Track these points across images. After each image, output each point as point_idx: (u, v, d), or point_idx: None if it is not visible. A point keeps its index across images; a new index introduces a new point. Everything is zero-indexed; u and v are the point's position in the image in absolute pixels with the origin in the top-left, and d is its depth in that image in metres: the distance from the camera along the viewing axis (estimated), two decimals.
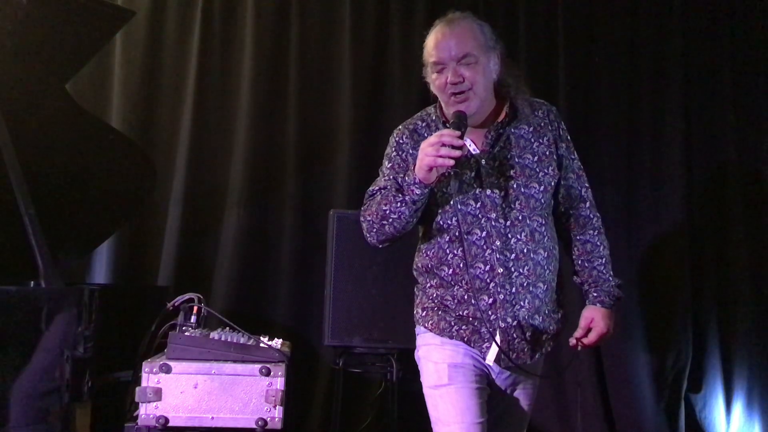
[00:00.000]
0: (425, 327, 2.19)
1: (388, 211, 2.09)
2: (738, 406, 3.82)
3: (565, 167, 2.23)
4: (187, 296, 2.41)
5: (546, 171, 2.17)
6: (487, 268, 2.08)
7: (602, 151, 4.06)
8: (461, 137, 1.99)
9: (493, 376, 2.16)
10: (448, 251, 2.13)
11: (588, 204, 2.27)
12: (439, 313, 2.16)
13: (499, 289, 2.09)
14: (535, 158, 2.16)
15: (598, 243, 2.25)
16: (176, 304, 2.39)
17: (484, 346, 2.11)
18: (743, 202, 4.03)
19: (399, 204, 2.07)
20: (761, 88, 4.15)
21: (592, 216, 2.27)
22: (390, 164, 2.21)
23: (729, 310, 3.96)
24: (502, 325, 2.09)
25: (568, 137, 2.26)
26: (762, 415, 3.77)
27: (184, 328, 2.37)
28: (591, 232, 2.25)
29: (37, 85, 3.61)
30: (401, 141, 2.22)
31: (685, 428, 3.82)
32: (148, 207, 3.71)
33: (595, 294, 2.21)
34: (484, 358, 2.11)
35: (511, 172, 2.13)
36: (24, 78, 3.70)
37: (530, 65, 4.11)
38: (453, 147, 1.96)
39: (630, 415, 3.82)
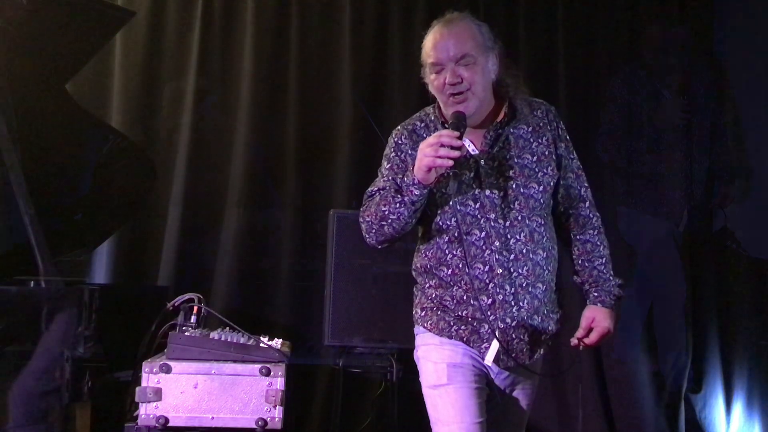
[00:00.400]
0: (424, 327, 2.19)
1: (387, 212, 2.09)
2: (738, 406, 3.82)
3: (564, 167, 2.23)
4: (187, 296, 2.41)
5: (545, 171, 2.17)
6: (486, 268, 2.09)
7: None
8: (460, 138, 1.99)
9: (492, 377, 2.16)
10: (447, 252, 2.13)
11: (587, 203, 2.27)
12: (438, 313, 2.16)
13: (498, 290, 2.09)
14: (534, 158, 2.16)
15: (598, 242, 2.25)
16: (176, 304, 2.40)
17: (483, 346, 2.11)
18: (743, 201, 4.04)
19: (398, 205, 2.07)
20: (762, 87, 4.15)
21: (591, 215, 2.27)
22: (389, 165, 2.22)
23: (729, 310, 3.97)
24: (501, 325, 2.10)
25: (567, 137, 2.26)
26: (762, 415, 3.77)
27: (184, 328, 2.37)
28: (591, 231, 2.25)
29: (37, 85, 3.61)
30: (400, 141, 2.22)
31: (685, 428, 3.82)
32: (148, 207, 3.71)
33: (595, 294, 2.22)
34: (483, 359, 2.12)
35: (510, 172, 2.13)
36: (24, 78, 3.69)
37: (530, 65, 4.11)
38: (452, 147, 1.96)
39: (630, 415, 3.82)
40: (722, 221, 4.04)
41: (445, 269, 2.14)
